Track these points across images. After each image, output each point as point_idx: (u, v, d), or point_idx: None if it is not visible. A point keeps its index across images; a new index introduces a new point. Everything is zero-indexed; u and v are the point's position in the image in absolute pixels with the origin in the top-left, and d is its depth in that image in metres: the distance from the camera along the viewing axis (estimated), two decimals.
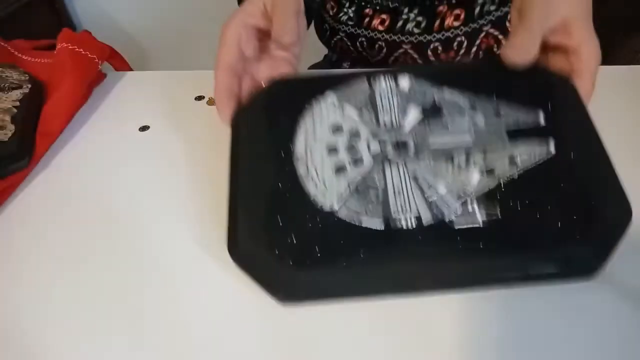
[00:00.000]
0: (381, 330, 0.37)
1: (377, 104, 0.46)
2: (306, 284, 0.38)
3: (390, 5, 0.69)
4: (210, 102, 0.59)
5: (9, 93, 0.56)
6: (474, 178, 0.40)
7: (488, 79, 0.46)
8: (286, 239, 0.38)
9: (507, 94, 0.45)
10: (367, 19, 0.70)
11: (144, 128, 0.57)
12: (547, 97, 0.44)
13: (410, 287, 0.38)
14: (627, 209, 0.38)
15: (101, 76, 0.64)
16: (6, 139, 0.51)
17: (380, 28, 0.70)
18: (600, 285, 0.37)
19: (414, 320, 0.37)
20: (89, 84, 0.61)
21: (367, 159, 0.42)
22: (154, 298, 0.41)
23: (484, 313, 0.37)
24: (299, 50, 0.52)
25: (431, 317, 0.37)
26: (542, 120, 0.43)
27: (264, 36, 0.52)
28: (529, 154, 0.41)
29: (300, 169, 0.42)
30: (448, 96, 0.45)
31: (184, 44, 1.43)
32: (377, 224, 0.38)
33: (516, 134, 0.42)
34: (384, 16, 0.70)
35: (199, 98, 0.60)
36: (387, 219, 0.39)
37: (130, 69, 0.68)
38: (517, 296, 0.37)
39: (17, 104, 0.55)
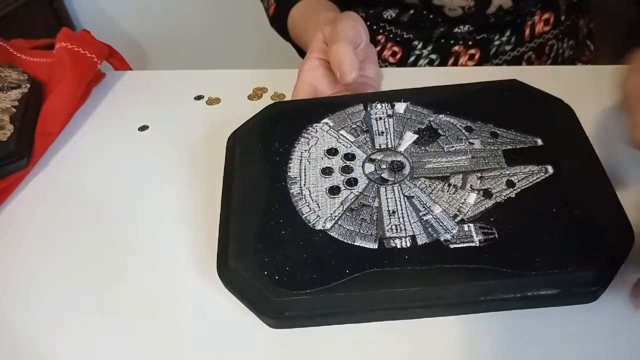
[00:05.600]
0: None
1: (373, 126, 0.46)
2: (296, 306, 0.36)
3: (405, 36, 0.68)
4: (210, 101, 0.59)
5: (8, 93, 0.56)
6: (471, 198, 0.39)
7: (485, 100, 0.46)
8: (276, 260, 0.37)
9: (503, 115, 0.45)
10: (378, 48, 0.70)
11: (143, 128, 0.57)
12: (544, 118, 0.44)
13: (404, 309, 0.36)
14: (629, 232, 0.37)
15: (100, 75, 0.64)
16: (5, 139, 0.51)
17: (391, 60, 0.70)
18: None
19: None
20: (88, 84, 0.61)
21: (361, 179, 0.42)
22: (147, 300, 0.41)
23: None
24: (374, 71, 0.53)
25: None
26: (539, 141, 0.43)
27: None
28: (526, 174, 0.40)
29: (294, 190, 0.41)
30: (444, 118, 0.45)
31: (184, 44, 1.43)
32: (370, 243, 0.38)
33: (513, 155, 0.42)
34: (395, 48, 0.69)
35: (199, 98, 0.59)
36: (381, 239, 0.38)
37: (130, 69, 0.68)
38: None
39: (16, 103, 0.55)
